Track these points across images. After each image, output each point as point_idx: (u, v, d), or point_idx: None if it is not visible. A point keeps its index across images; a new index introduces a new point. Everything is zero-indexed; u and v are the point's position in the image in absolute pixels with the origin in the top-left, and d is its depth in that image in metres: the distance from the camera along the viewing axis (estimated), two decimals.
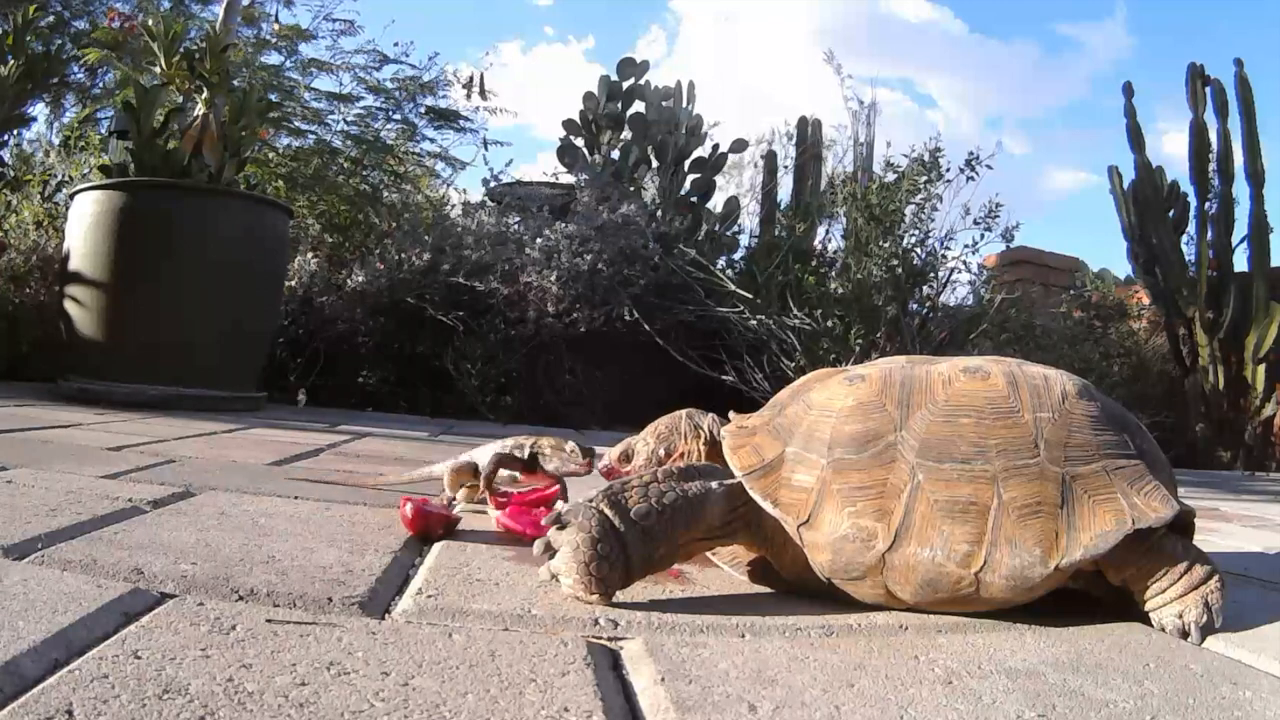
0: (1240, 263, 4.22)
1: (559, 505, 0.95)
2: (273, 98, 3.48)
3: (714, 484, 0.74)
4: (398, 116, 4.12)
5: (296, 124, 3.89)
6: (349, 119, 4.00)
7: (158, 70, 2.54)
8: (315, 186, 3.79)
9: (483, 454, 1.03)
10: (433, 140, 4.25)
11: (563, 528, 0.69)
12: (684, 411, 0.91)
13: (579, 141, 4.37)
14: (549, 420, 3.18)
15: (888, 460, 0.72)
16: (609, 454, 0.92)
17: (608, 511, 0.68)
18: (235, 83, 2.90)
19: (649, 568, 0.70)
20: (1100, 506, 0.70)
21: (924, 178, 3.07)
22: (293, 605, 0.60)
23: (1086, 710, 0.52)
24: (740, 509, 0.75)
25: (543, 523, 0.74)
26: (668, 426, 0.90)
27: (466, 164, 4.46)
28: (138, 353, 2.26)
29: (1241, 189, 4.24)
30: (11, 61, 2.73)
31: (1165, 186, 4.41)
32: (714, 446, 0.87)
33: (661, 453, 0.88)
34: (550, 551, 0.69)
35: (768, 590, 0.78)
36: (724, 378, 3.09)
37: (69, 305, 2.32)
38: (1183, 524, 0.74)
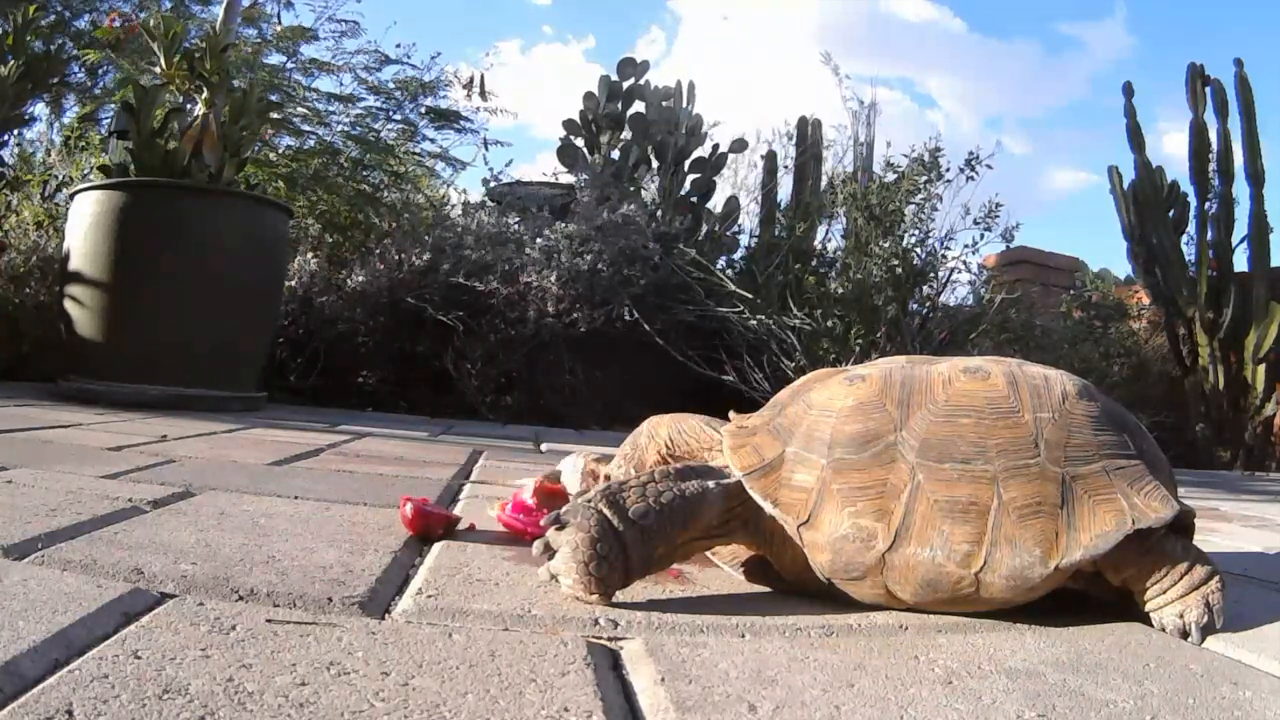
0: (1240, 263, 4.23)
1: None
2: (274, 98, 3.48)
3: (711, 483, 0.74)
4: (398, 117, 4.12)
5: (298, 124, 3.89)
6: (349, 119, 4.00)
7: (158, 70, 2.54)
8: (315, 186, 3.79)
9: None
10: (433, 140, 4.25)
11: (562, 528, 0.69)
12: (644, 425, 0.90)
13: (579, 141, 4.37)
14: (549, 420, 3.18)
15: (888, 460, 0.72)
16: (598, 472, 0.92)
17: (606, 512, 0.68)
18: (235, 83, 2.90)
19: (648, 567, 0.70)
20: (1100, 507, 0.70)
21: (924, 178, 3.08)
22: (293, 605, 0.60)
23: (1086, 710, 0.52)
24: (738, 508, 0.75)
25: (541, 523, 0.74)
26: (631, 446, 0.89)
27: (466, 164, 4.46)
28: (137, 353, 2.26)
29: (1241, 189, 4.25)
30: (11, 61, 2.73)
31: (1165, 186, 4.41)
32: (674, 455, 0.86)
33: (632, 472, 0.87)
34: (549, 552, 0.69)
35: (768, 590, 0.78)
36: (724, 378, 3.09)
37: (69, 305, 2.32)
38: (1183, 524, 0.74)
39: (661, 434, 0.88)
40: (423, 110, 4.13)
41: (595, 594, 0.66)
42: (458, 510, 1.04)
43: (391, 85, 4.07)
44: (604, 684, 0.50)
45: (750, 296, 3.21)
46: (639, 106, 4.30)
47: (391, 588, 0.68)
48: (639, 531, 0.68)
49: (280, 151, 3.86)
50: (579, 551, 0.67)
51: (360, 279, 3.34)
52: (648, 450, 0.87)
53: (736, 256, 4.11)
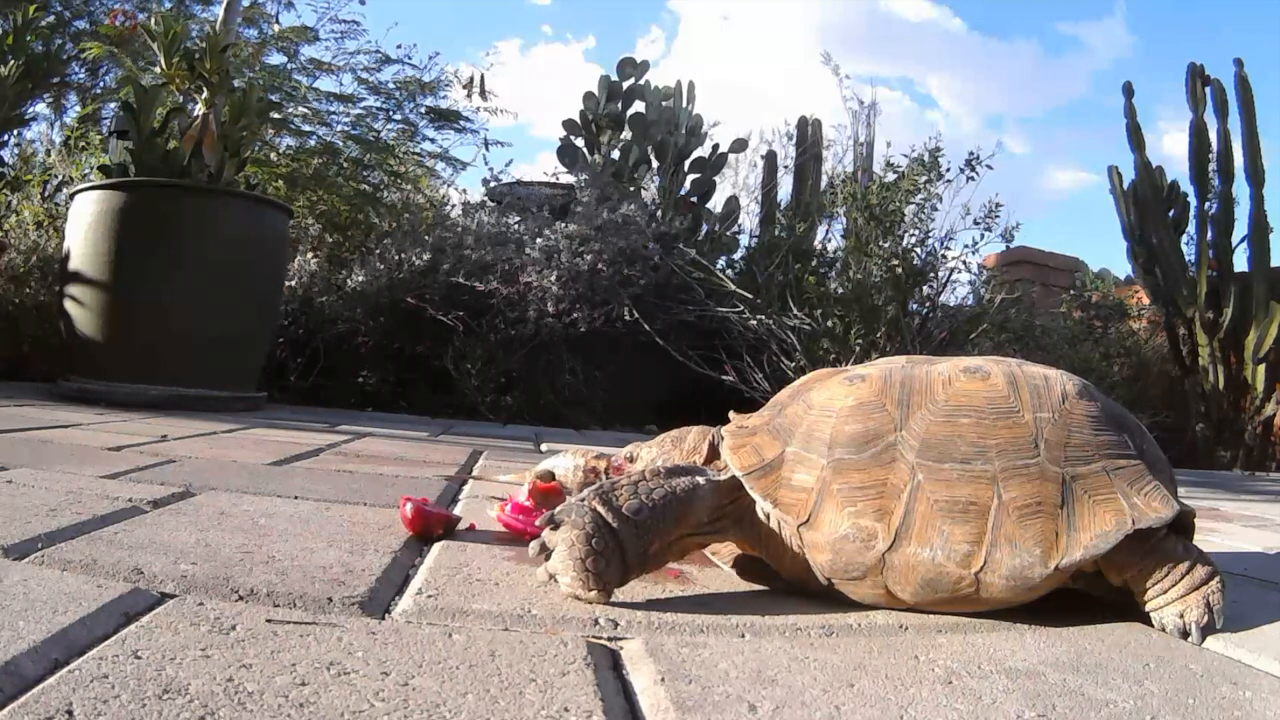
0: (1240, 263, 4.23)
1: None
2: (274, 98, 3.48)
3: (701, 480, 0.74)
4: (398, 117, 4.12)
5: (298, 124, 3.89)
6: (350, 119, 4.00)
7: (158, 70, 2.54)
8: (315, 186, 3.79)
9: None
10: (433, 140, 4.25)
11: (556, 528, 0.69)
12: (693, 429, 0.89)
13: (579, 141, 4.38)
14: (549, 420, 3.18)
15: (888, 460, 0.72)
16: (619, 454, 0.92)
17: (600, 509, 0.69)
18: (235, 83, 2.90)
19: (644, 563, 0.70)
20: (1100, 507, 0.70)
21: (924, 178, 3.07)
22: (293, 605, 0.60)
23: (1086, 710, 0.52)
24: (729, 506, 0.76)
25: (536, 524, 0.74)
26: (672, 443, 0.89)
27: (467, 164, 4.46)
28: (138, 353, 2.26)
29: (1241, 189, 4.25)
30: (11, 61, 2.73)
31: (1165, 186, 4.41)
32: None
33: (661, 462, 0.87)
34: (546, 552, 0.69)
35: (768, 590, 0.78)
36: (724, 378, 3.09)
37: (69, 305, 2.32)
38: (1183, 524, 0.74)
39: (704, 446, 0.86)
40: (423, 110, 4.14)
41: (594, 590, 0.66)
42: (458, 510, 1.04)
43: (391, 85, 4.07)
44: (604, 684, 0.50)
45: (750, 296, 3.21)
46: (639, 106, 4.30)
47: (391, 588, 0.68)
48: (633, 527, 0.69)
49: (280, 151, 3.86)
50: (575, 549, 0.67)
51: (360, 279, 3.34)
52: (690, 457, 0.86)
53: (736, 256, 4.11)
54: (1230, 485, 2.74)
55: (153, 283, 2.27)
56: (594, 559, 0.66)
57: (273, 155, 3.79)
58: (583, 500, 0.70)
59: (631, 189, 3.81)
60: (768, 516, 0.75)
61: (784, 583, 0.77)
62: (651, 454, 0.88)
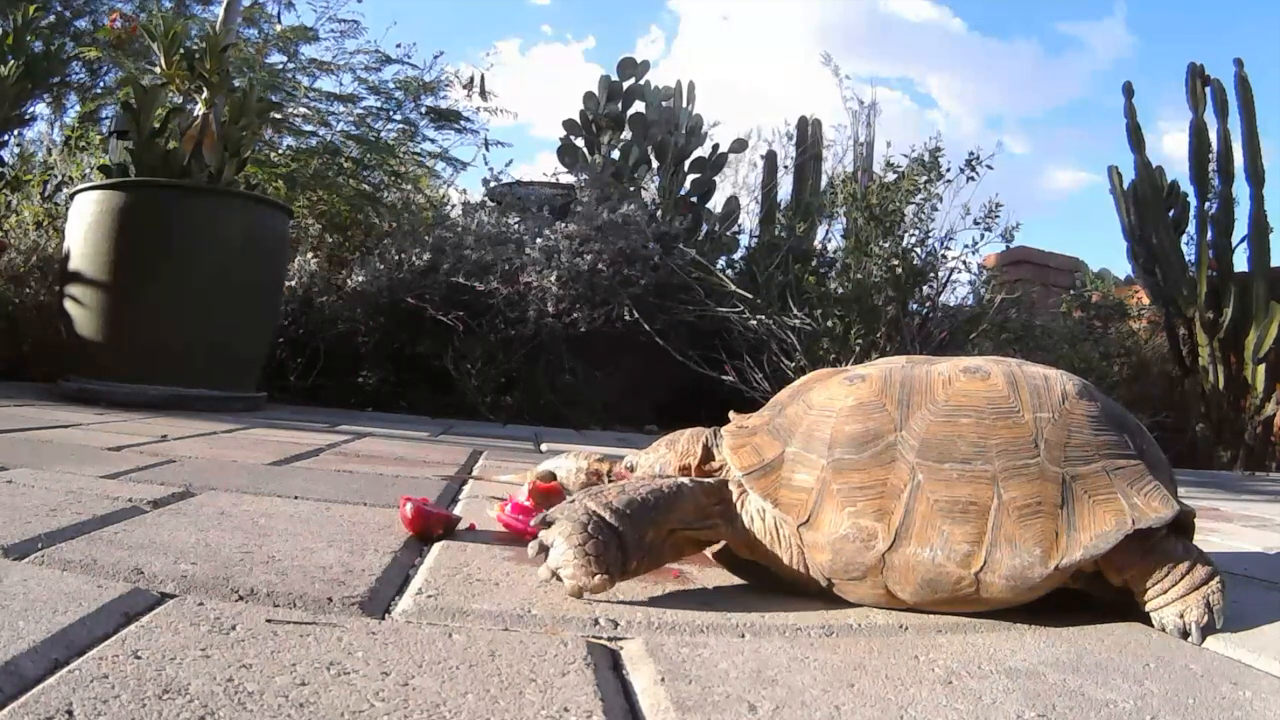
0: (1240, 263, 4.22)
1: None
2: (274, 98, 3.48)
3: (685, 480, 0.76)
4: (399, 117, 4.12)
5: (298, 124, 3.89)
6: (350, 119, 4.00)
7: (158, 70, 2.54)
8: (315, 186, 3.79)
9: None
10: (433, 140, 4.25)
11: (549, 526, 0.70)
12: (687, 431, 0.88)
13: (579, 141, 4.38)
14: (549, 420, 3.18)
15: (888, 460, 0.72)
16: (621, 462, 0.92)
17: (592, 505, 0.70)
18: (235, 83, 2.90)
19: (642, 551, 0.71)
20: (1100, 507, 0.70)
21: (924, 178, 3.07)
22: (293, 605, 0.60)
23: (1086, 710, 0.52)
24: (716, 507, 0.77)
25: (531, 524, 0.75)
26: (667, 446, 0.88)
27: (467, 164, 4.46)
28: (138, 353, 2.26)
29: (1241, 189, 4.25)
30: (11, 61, 2.73)
31: (1165, 186, 4.41)
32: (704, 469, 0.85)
33: (657, 468, 0.87)
34: (545, 551, 0.69)
35: (768, 590, 0.78)
36: (724, 378, 3.09)
37: (69, 305, 2.32)
38: (1183, 524, 0.74)
39: (697, 448, 0.86)
40: (423, 110, 4.14)
41: (597, 576, 0.65)
42: (458, 510, 1.04)
43: (392, 85, 4.07)
44: (604, 684, 0.50)
45: (750, 296, 3.21)
46: (639, 106, 4.30)
47: (391, 588, 0.68)
48: (626, 518, 0.70)
49: (280, 151, 3.86)
50: (573, 537, 0.67)
51: (360, 279, 3.34)
52: (684, 458, 0.85)
53: (736, 256, 4.11)
54: (1230, 485, 2.74)
55: (152, 283, 2.27)
56: (593, 543, 0.67)
57: (273, 155, 3.78)
58: (573, 500, 0.71)
59: (631, 189, 3.81)
60: (764, 515, 0.75)
61: (781, 580, 0.77)
62: (649, 460, 0.88)
